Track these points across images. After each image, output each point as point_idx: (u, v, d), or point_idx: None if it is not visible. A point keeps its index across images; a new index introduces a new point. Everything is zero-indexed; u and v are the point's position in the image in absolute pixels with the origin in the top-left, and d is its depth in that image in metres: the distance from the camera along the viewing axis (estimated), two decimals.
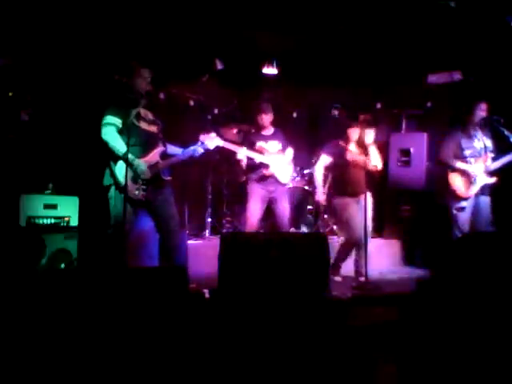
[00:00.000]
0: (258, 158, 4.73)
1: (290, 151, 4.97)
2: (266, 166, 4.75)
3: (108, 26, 4.92)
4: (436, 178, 5.26)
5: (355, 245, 4.69)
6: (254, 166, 4.79)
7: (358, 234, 4.59)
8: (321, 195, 4.91)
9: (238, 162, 4.83)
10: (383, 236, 6.38)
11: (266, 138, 4.89)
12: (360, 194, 4.69)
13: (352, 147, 4.77)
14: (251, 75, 6.34)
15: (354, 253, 4.80)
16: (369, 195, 4.72)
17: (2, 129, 4.29)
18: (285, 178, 4.88)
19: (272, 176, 4.78)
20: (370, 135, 4.62)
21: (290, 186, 6.22)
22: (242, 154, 4.70)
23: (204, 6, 5.02)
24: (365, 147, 4.68)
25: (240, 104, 6.41)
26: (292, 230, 6.08)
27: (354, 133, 4.75)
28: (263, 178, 4.78)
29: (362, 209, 4.65)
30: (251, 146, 4.82)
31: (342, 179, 4.76)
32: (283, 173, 4.84)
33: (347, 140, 4.77)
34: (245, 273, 3.17)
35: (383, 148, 6.34)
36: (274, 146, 4.87)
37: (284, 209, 4.87)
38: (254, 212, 4.79)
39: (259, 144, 4.83)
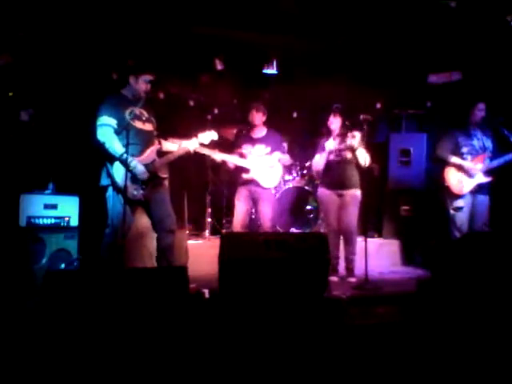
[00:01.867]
0: (237, 163, 4.75)
1: (275, 155, 4.88)
2: (246, 170, 4.77)
3: (108, 26, 4.91)
4: (434, 176, 5.26)
5: (331, 236, 4.60)
6: (237, 169, 4.81)
7: (332, 226, 4.70)
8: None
9: (224, 164, 4.81)
10: (383, 236, 6.39)
11: (253, 141, 4.88)
12: (344, 188, 4.67)
13: (330, 142, 4.67)
14: (251, 75, 6.34)
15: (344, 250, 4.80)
16: (357, 192, 4.70)
17: (2, 129, 4.29)
18: (267, 183, 4.83)
19: (253, 180, 4.78)
20: (354, 140, 4.50)
21: (291, 186, 6.22)
22: (218, 158, 4.67)
23: (204, 6, 5.02)
24: (348, 142, 4.57)
25: (240, 104, 6.41)
26: (292, 230, 6.09)
27: (332, 124, 4.70)
28: (245, 182, 4.81)
29: (347, 204, 4.66)
30: (237, 148, 4.84)
31: (326, 172, 4.75)
32: (265, 177, 4.80)
33: (329, 132, 4.74)
34: (245, 273, 3.17)
35: (383, 148, 6.37)
36: (260, 149, 4.85)
37: (265, 211, 4.86)
38: (238, 212, 4.82)
39: (245, 147, 4.84)
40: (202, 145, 4.12)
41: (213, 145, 4.67)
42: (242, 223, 4.85)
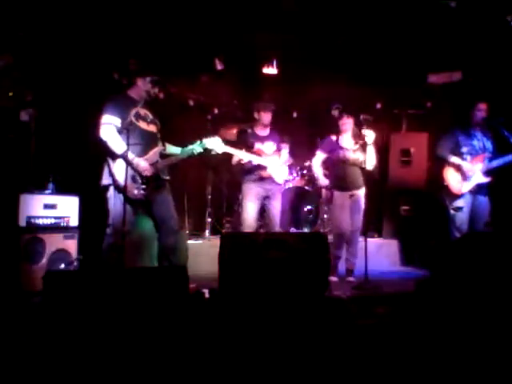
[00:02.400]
0: (256, 160, 4.74)
1: (285, 152, 4.96)
2: (263, 168, 4.77)
3: (108, 26, 4.92)
4: (435, 175, 5.27)
5: (340, 238, 4.76)
6: (250, 168, 4.77)
7: (341, 227, 4.75)
8: (323, 180, 4.98)
9: (236, 163, 4.80)
10: (383, 236, 6.39)
11: (262, 139, 4.88)
12: (352, 189, 4.76)
13: (345, 141, 4.81)
14: (251, 75, 6.34)
15: (345, 251, 4.86)
16: (364, 191, 4.79)
17: (2, 129, 4.29)
18: (281, 179, 4.90)
19: (269, 177, 4.80)
20: (369, 136, 4.60)
21: (291, 186, 6.23)
22: (245, 157, 4.67)
23: (204, 6, 5.02)
24: (362, 140, 4.65)
25: (240, 104, 6.41)
26: (292, 230, 6.09)
27: (345, 125, 4.79)
28: (261, 179, 4.79)
29: (355, 204, 4.75)
30: (249, 147, 4.83)
31: (334, 173, 4.87)
32: (279, 173, 4.86)
33: (339, 132, 4.84)
34: (245, 273, 3.17)
35: (384, 148, 6.37)
36: (269, 147, 4.87)
37: (277, 206, 4.88)
38: (250, 211, 4.78)
39: (256, 145, 4.83)
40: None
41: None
42: (255, 222, 4.85)
